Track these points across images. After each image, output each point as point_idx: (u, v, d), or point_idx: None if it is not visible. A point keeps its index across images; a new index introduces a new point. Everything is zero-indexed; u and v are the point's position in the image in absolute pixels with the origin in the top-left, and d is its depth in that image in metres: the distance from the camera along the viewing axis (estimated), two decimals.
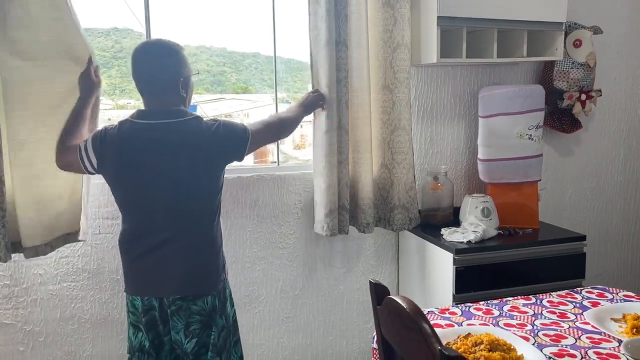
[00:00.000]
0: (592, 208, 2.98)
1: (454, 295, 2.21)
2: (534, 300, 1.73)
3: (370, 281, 1.26)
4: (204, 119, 1.83)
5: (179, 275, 1.76)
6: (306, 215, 2.54)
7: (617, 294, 1.75)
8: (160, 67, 1.76)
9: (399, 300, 1.07)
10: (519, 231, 2.41)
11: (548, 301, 1.72)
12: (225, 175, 2.42)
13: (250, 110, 2.83)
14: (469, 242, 2.25)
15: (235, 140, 1.86)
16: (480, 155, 2.56)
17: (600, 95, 2.69)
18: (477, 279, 2.23)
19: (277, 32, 2.50)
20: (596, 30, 2.62)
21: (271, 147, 2.69)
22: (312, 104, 2.25)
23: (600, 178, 2.97)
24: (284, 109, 2.29)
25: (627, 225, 3.03)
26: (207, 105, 2.75)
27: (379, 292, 1.22)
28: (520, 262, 2.27)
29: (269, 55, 2.54)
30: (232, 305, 1.96)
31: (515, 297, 1.76)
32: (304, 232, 2.56)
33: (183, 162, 1.73)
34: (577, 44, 2.60)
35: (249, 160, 2.86)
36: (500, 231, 2.39)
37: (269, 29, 2.49)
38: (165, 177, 1.73)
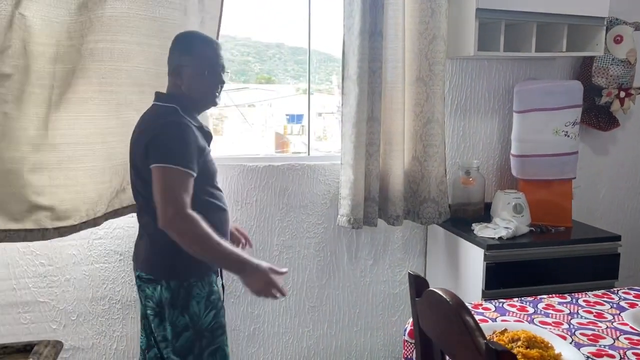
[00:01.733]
0: (627, 208, 2.92)
1: (483, 291, 2.19)
2: (569, 299, 1.71)
3: (409, 273, 1.25)
4: (169, 111, 1.71)
5: (142, 252, 1.78)
6: (334, 205, 2.54)
7: None
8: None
9: (440, 293, 1.06)
10: (551, 229, 2.38)
11: (584, 300, 1.69)
12: (256, 164, 2.47)
13: (273, 100, 2.85)
14: (500, 238, 2.22)
15: (145, 154, 1.64)
16: (513, 151, 2.52)
17: None
18: (507, 276, 2.20)
19: (303, 24, 2.49)
20: (637, 27, 2.55)
21: (292, 137, 2.70)
22: (251, 272, 1.64)
23: (636, 178, 2.90)
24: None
25: None
26: (232, 94, 2.73)
27: (418, 284, 1.21)
28: (552, 260, 2.24)
29: (293, 46, 2.53)
30: (209, 310, 1.72)
31: (550, 295, 1.74)
32: (332, 223, 2.56)
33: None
34: (618, 39, 2.54)
35: (271, 149, 2.88)
36: (532, 228, 2.36)
37: (294, 19, 2.48)
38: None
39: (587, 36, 2.44)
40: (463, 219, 2.49)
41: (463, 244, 2.34)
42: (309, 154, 2.61)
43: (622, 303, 1.66)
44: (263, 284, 1.62)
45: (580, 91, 2.39)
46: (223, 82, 1.78)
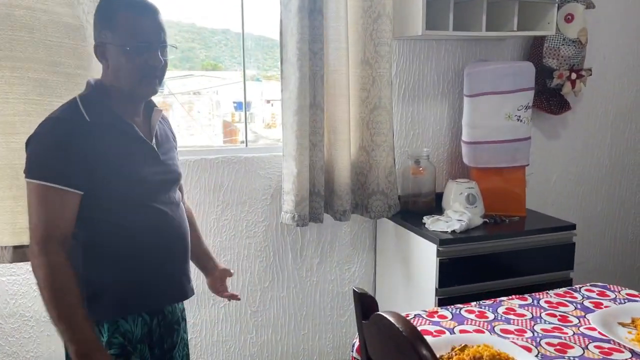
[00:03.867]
0: (577, 194, 2.84)
1: (436, 289, 2.04)
2: (530, 300, 1.56)
3: (354, 290, 1.06)
4: (63, 106, 1.36)
5: None
6: (277, 201, 2.33)
7: (619, 292, 1.60)
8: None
9: (392, 320, 0.87)
10: (505, 219, 2.25)
11: (546, 301, 1.55)
12: (188, 157, 2.21)
13: (219, 87, 2.68)
14: (453, 231, 2.07)
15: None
16: (464, 138, 2.37)
17: (591, 74, 2.53)
18: (462, 272, 2.06)
19: (248, 8, 2.25)
20: (589, 5, 2.44)
21: (240, 125, 2.47)
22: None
23: (587, 162, 2.83)
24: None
25: (611, 212, 2.92)
26: (176, 82, 2.55)
27: (364, 304, 1.01)
28: (507, 253, 2.11)
29: (240, 32, 2.30)
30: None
31: (510, 297, 1.59)
32: (274, 220, 2.34)
33: None
34: (569, 18, 2.42)
35: (218, 140, 2.64)
36: (486, 220, 2.22)
37: (238, 3, 2.24)
38: None
39: (539, 15, 2.30)
40: (414, 211, 2.33)
41: (414, 238, 2.18)
42: (246, 145, 2.37)
43: (586, 303, 1.54)
44: None
45: (532, 73, 2.26)
46: (159, 62, 1.34)
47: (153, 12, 1.35)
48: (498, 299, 1.58)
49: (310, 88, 2.13)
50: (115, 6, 1.34)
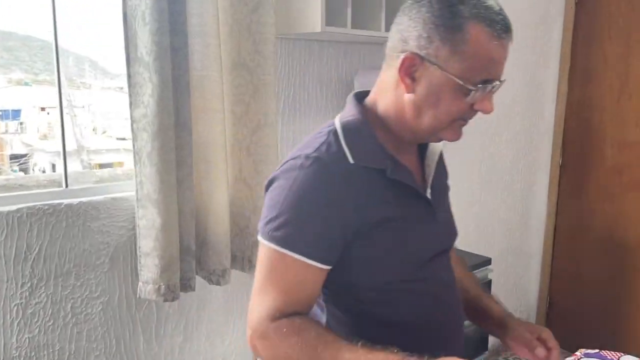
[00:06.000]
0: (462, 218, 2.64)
1: None
2: None
3: None
4: (319, 136, 0.99)
5: None
6: (119, 265, 1.59)
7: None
8: None
9: None
10: None
11: None
12: None
13: None
14: None
15: None
16: None
17: None
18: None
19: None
20: None
21: (9, 138, 1.76)
22: None
23: (475, 185, 2.65)
24: None
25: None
26: None
27: None
28: None
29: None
30: None
31: None
32: (115, 292, 1.60)
33: None
34: None
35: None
36: None
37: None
38: None
39: None
40: None
41: None
42: (66, 186, 1.56)
43: None
44: None
45: None
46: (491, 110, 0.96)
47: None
48: None
49: (174, 100, 1.46)
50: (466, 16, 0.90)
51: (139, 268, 1.49)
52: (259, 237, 0.96)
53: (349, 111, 1.03)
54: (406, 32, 0.93)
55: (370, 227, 0.95)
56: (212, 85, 1.55)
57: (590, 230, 2.81)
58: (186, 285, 1.57)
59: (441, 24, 0.90)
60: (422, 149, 1.10)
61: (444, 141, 1.03)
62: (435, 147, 1.10)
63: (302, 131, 1.96)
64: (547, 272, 3.02)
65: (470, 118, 0.97)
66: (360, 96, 1.07)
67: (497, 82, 0.93)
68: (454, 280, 1.11)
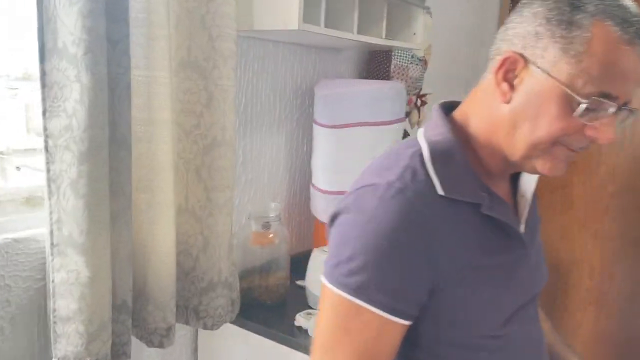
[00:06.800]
0: None
1: None
2: None
3: None
4: (401, 159, 0.79)
5: None
6: (24, 330, 1.16)
7: None
8: None
9: None
10: None
11: None
12: None
13: None
14: None
15: None
16: (322, 185, 1.66)
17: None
18: None
19: None
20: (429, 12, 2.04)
21: None
22: None
23: None
24: None
25: None
26: None
27: None
28: None
29: None
30: None
31: None
32: None
33: None
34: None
35: None
36: None
37: None
38: None
39: (404, 22, 1.78)
40: (264, 303, 1.50)
41: (281, 353, 1.36)
42: None
43: None
44: None
45: (404, 96, 1.72)
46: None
47: None
48: None
49: (109, 108, 1.08)
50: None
51: (52, 339, 1.08)
52: (324, 280, 0.78)
53: (436, 127, 0.81)
54: (512, 30, 0.73)
55: (460, 276, 0.75)
56: (159, 90, 1.18)
57: None
58: (119, 353, 1.18)
59: (555, 17, 0.69)
60: (515, 174, 0.90)
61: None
62: (529, 177, 0.89)
63: (254, 148, 1.63)
64: None
65: (578, 146, 0.74)
66: (448, 107, 0.84)
67: (624, 106, 0.71)
68: (542, 335, 0.90)
